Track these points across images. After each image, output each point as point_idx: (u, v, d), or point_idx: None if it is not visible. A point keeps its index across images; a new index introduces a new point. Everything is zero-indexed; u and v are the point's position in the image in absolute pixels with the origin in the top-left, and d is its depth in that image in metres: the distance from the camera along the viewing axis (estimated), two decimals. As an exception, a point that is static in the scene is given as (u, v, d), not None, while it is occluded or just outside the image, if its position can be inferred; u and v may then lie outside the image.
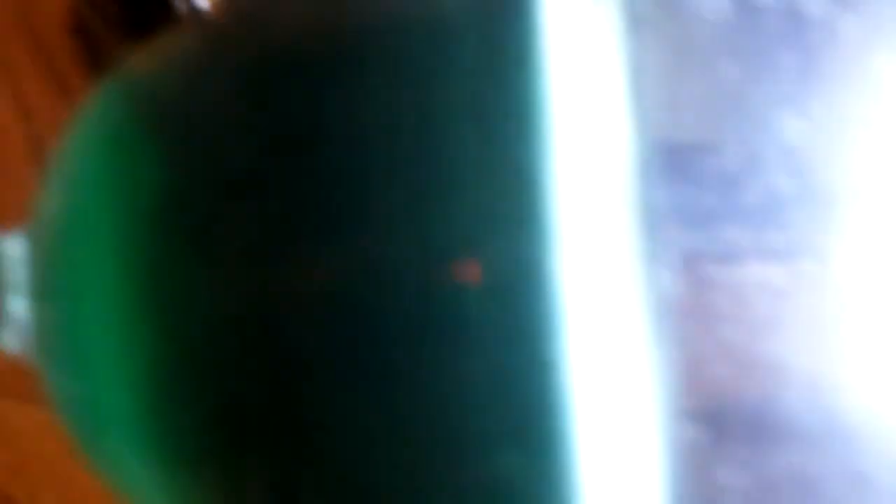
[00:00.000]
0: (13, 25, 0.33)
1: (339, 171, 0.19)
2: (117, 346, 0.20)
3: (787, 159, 0.19)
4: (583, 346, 0.18)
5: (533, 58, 0.18)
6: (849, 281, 0.19)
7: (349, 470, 0.19)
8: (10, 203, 0.31)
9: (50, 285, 0.22)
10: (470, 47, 0.18)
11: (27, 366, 0.23)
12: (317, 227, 0.18)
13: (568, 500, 0.18)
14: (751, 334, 0.19)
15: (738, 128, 0.19)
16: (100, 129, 0.21)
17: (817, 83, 0.19)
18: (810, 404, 0.19)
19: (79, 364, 0.21)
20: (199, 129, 0.20)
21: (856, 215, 0.19)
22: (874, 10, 0.19)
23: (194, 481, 0.20)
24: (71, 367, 0.21)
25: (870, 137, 0.19)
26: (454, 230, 0.18)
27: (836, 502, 0.19)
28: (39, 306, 0.22)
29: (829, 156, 0.19)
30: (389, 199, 0.18)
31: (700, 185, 0.19)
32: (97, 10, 0.37)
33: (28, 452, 0.32)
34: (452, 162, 0.18)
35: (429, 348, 0.18)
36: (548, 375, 0.17)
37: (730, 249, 0.19)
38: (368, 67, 0.19)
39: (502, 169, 0.18)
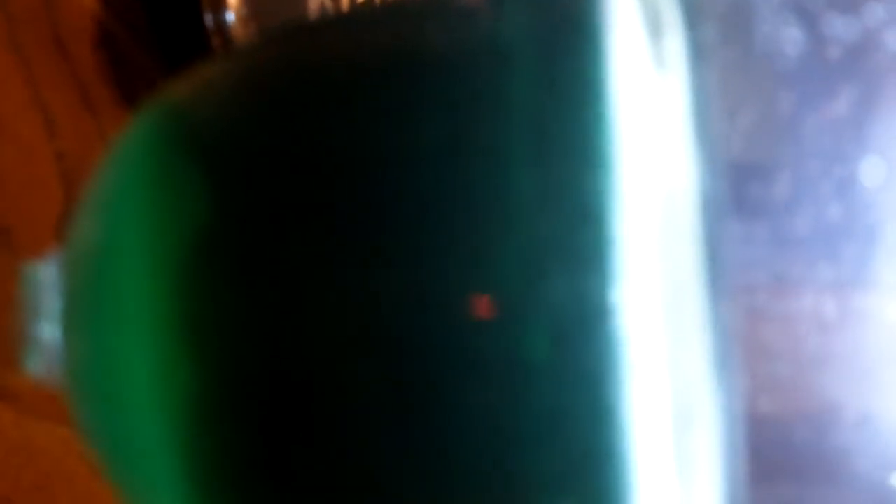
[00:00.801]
0: (39, 39, 0.32)
1: (389, 202, 0.18)
2: (153, 379, 0.19)
3: (839, 189, 0.18)
4: (645, 391, 0.17)
5: (596, 86, 0.18)
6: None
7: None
8: (41, 221, 0.30)
9: (85, 314, 0.21)
10: (528, 75, 0.18)
11: (53, 388, 0.23)
12: (364, 262, 0.18)
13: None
14: (801, 369, 0.18)
15: (791, 156, 0.19)
16: (140, 157, 0.21)
17: (875, 113, 0.19)
18: (861, 443, 0.18)
19: (112, 396, 0.21)
20: (244, 158, 0.20)
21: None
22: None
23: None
24: (104, 398, 0.21)
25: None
26: (512, 266, 0.17)
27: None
28: (73, 335, 0.21)
29: (883, 186, 0.18)
30: (443, 233, 0.18)
31: (751, 214, 0.18)
32: (123, 23, 0.37)
33: (51, 471, 0.32)
34: (509, 194, 0.17)
35: (483, 389, 0.17)
36: (607, 420, 0.17)
37: (780, 280, 0.18)
38: (421, 96, 0.19)
39: (563, 203, 0.17)
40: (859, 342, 0.18)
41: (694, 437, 0.17)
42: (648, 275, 0.17)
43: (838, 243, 0.18)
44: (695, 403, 0.17)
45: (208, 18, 0.35)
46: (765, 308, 0.18)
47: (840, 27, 0.18)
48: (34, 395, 0.24)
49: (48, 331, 0.22)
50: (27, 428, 0.30)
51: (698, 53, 0.18)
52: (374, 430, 0.18)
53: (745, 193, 0.18)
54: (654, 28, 0.18)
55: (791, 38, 0.18)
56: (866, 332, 0.18)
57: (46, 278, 0.22)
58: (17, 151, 0.31)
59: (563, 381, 0.17)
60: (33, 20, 0.32)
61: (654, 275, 0.17)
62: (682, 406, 0.17)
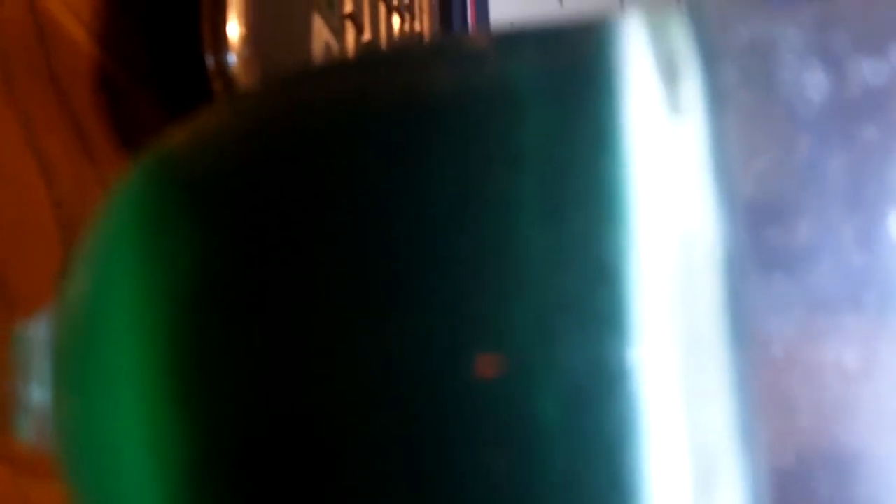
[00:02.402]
0: (35, 81, 0.32)
1: (395, 257, 0.17)
2: (145, 443, 0.19)
3: (861, 236, 0.18)
4: (664, 456, 0.16)
5: (609, 137, 0.17)
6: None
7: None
8: (38, 271, 0.30)
9: (74, 375, 0.20)
10: (540, 125, 0.17)
11: (45, 451, 0.22)
12: (369, 320, 0.17)
13: None
14: (823, 420, 0.18)
15: (812, 204, 0.18)
16: (134, 210, 0.20)
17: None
18: (884, 495, 0.18)
19: (103, 461, 0.20)
20: (243, 212, 0.19)
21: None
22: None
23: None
24: (94, 463, 0.20)
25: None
26: (524, 326, 0.17)
27: None
28: (62, 397, 0.21)
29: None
30: (452, 290, 0.17)
31: (771, 261, 0.18)
32: (122, 65, 0.36)
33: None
34: (521, 250, 0.17)
35: (494, 454, 0.17)
36: (624, 488, 0.16)
37: (801, 330, 0.18)
38: (429, 147, 0.18)
39: (577, 260, 0.17)
40: (882, 392, 0.18)
41: (716, 496, 0.17)
42: (666, 334, 0.16)
43: (860, 291, 0.18)
44: (716, 463, 0.17)
45: (209, 60, 0.34)
46: (785, 358, 0.18)
47: (866, 70, 0.18)
48: (31, 452, 0.23)
49: (38, 394, 0.21)
50: (24, 486, 0.30)
51: (716, 98, 0.18)
52: (381, 494, 0.17)
53: (765, 240, 0.18)
54: (670, 73, 0.18)
55: (814, 82, 0.18)
56: (889, 382, 0.18)
57: (38, 338, 0.21)
58: (13, 198, 0.30)
59: (577, 446, 0.16)
60: (29, 63, 0.32)
61: (672, 334, 0.16)
62: (702, 467, 0.17)
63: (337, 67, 0.21)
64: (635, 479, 0.16)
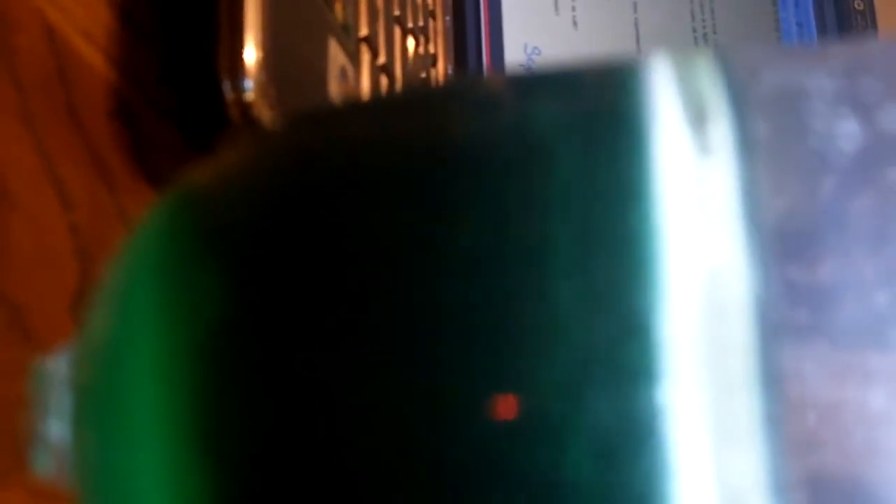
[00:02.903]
0: (51, 108, 0.32)
1: (420, 308, 0.17)
2: (165, 486, 0.19)
3: (885, 274, 0.18)
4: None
5: (638, 185, 0.17)
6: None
7: None
8: (55, 297, 0.30)
9: (94, 415, 0.20)
10: (566, 173, 0.17)
11: (63, 486, 0.22)
12: (394, 370, 0.17)
13: None
14: (847, 462, 0.17)
15: (835, 242, 0.18)
16: (156, 251, 0.20)
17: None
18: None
19: (122, 502, 0.20)
20: (264, 256, 0.19)
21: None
22: None
23: None
24: (112, 502, 0.20)
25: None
26: (552, 379, 0.16)
27: None
28: (82, 434, 0.21)
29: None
30: (478, 343, 0.17)
31: (794, 300, 0.17)
32: (139, 92, 0.36)
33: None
34: (549, 302, 0.17)
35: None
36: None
37: (824, 370, 0.18)
38: (452, 194, 0.18)
39: (607, 311, 0.16)
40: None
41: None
42: (696, 383, 0.16)
43: (885, 330, 0.18)
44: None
45: (226, 85, 0.34)
46: (808, 398, 0.17)
47: (893, 115, 0.18)
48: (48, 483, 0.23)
49: (57, 429, 0.21)
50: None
51: (745, 137, 0.18)
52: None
53: (791, 279, 0.18)
54: (698, 114, 0.18)
55: (842, 125, 0.18)
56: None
57: (57, 373, 0.21)
58: (29, 224, 0.30)
59: (607, 499, 0.16)
60: (46, 89, 0.32)
61: (701, 381, 0.16)
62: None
63: (360, 111, 0.21)
64: None
